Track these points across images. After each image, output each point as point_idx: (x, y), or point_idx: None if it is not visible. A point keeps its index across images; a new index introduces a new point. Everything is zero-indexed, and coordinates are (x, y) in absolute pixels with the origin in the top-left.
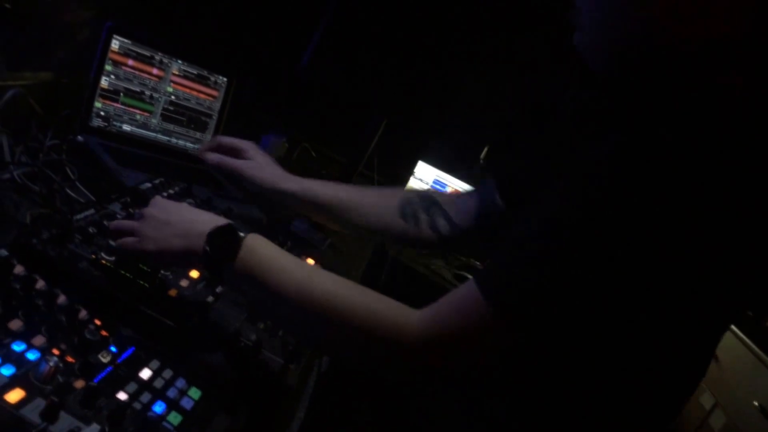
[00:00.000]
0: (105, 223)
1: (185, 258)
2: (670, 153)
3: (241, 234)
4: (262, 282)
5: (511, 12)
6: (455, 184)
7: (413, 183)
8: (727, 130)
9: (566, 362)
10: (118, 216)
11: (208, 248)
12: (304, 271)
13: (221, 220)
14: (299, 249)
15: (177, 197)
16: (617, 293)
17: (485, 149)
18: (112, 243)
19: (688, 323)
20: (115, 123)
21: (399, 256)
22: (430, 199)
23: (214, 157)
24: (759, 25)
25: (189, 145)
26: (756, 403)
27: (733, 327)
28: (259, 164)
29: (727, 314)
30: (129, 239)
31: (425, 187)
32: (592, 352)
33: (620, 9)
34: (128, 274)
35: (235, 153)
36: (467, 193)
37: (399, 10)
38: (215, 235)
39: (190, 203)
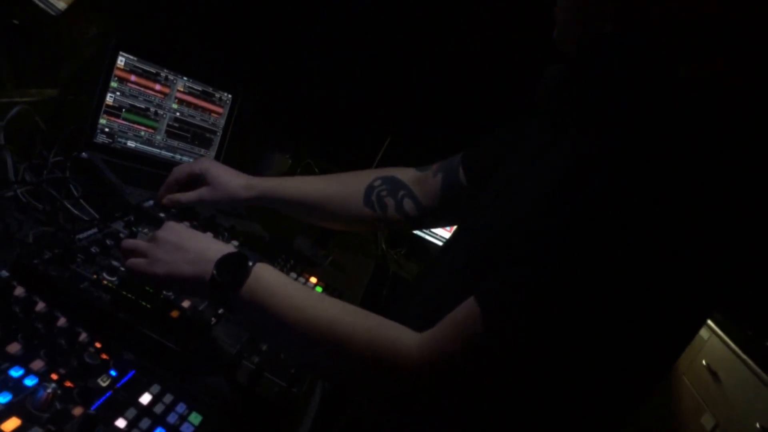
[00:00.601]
0: (108, 242)
1: (193, 284)
2: (651, 154)
3: (250, 262)
4: (268, 309)
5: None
6: None
7: None
8: (711, 123)
9: (563, 375)
10: (122, 235)
11: (215, 273)
12: (310, 299)
13: (231, 249)
14: (301, 266)
15: (183, 214)
16: (616, 303)
17: None
18: (115, 263)
19: (671, 321)
20: (119, 139)
21: (400, 272)
22: (395, 181)
23: (167, 200)
24: (738, 6)
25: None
26: (758, 425)
27: (733, 346)
28: (216, 185)
29: (705, 310)
30: (139, 260)
31: None
32: (589, 360)
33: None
34: (130, 295)
35: (194, 179)
36: (431, 172)
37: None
38: (224, 261)
39: (194, 226)
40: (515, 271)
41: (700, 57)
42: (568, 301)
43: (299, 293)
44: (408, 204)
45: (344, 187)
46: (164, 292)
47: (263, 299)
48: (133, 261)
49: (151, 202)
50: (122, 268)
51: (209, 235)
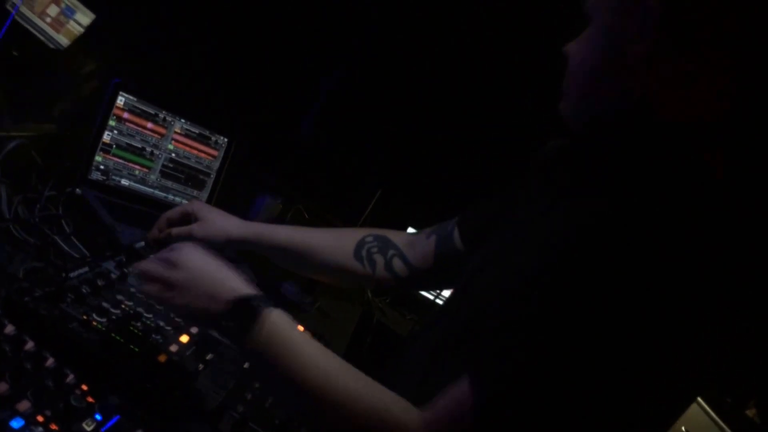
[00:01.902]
0: (99, 282)
1: (205, 319)
2: (643, 228)
3: (262, 308)
4: (270, 359)
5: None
6: None
7: None
8: (704, 207)
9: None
10: (113, 275)
11: (225, 316)
12: (315, 358)
13: (247, 290)
14: (288, 312)
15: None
16: (608, 371)
17: None
18: (105, 304)
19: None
20: (114, 177)
21: (383, 319)
22: (386, 240)
23: (160, 236)
24: (739, 107)
25: (185, 202)
26: None
27: (713, 414)
28: (207, 222)
29: (694, 385)
30: (156, 288)
31: None
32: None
33: (606, 81)
34: (119, 338)
35: (186, 219)
36: (425, 233)
37: (402, 83)
38: (236, 306)
39: None
40: (512, 346)
41: (699, 150)
42: (559, 374)
43: (306, 350)
44: (397, 263)
45: (335, 240)
46: (153, 336)
47: (270, 350)
48: (150, 289)
49: (142, 244)
50: (113, 309)
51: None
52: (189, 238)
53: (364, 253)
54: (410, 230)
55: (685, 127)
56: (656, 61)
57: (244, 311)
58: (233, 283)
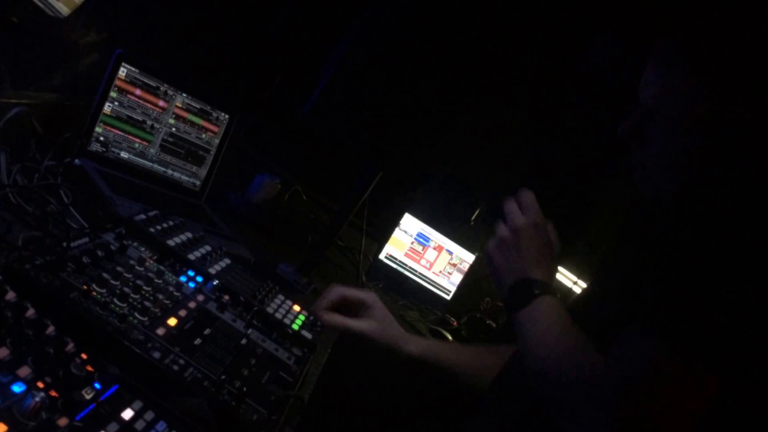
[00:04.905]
0: (99, 253)
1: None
2: None
3: (537, 291)
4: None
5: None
6: (438, 239)
7: (398, 234)
8: None
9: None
10: (113, 247)
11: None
12: (557, 330)
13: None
14: (284, 292)
15: (173, 231)
16: None
17: (477, 210)
18: (105, 275)
19: None
20: (113, 149)
21: None
22: None
23: (334, 319)
24: None
25: (184, 177)
26: None
27: None
28: (379, 325)
29: None
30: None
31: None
32: None
33: (690, 159)
34: (118, 309)
35: (356, 305)
36: None
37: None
38: (515, 287)
39: (188, 237)
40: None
41: None
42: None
43: (554, 327)
44: None
45: (487, 371)
46: (152, 309)
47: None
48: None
49: (142, 216)
50: (113, 281)
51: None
52: (361, 336)
53: None
54: (407, 215)
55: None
56: None
57: (519, 293)
58: (539, 267)
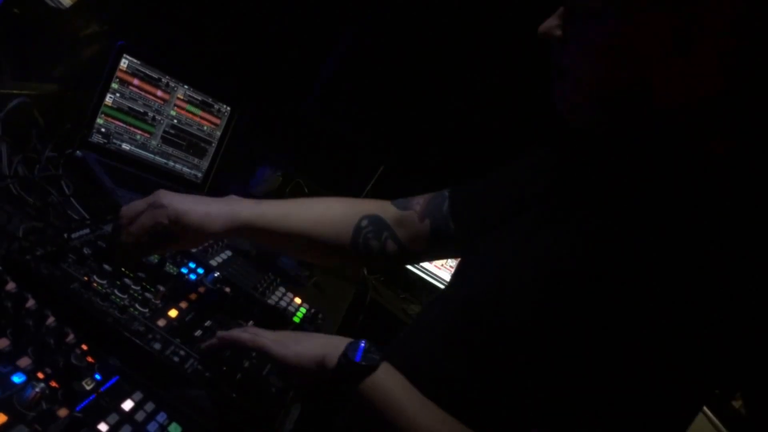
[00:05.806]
0: (100, 244)
1: (315, 369)
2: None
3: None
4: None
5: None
6: None
7: None
8: (712, 203)
9: None
10: None
11: (344, 356)
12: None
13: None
14: (285, 285)
15: None
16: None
17: None
18: (106, 266)
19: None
20: (114, 140)
21: (378, 298)
22: (380, 222)
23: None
24: (741, 85)
25: (186, 169)
26: None
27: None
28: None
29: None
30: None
31: None
32: None
33: (609, 68)
34: (119, 300)
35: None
36: (417, 215)
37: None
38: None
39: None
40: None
41: (698, 138)
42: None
43: (414, 405)
44: (390, 245)
45: (332, 229)
46: (153, 301)
47: (382, 397)
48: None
49: None
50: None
51: None
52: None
53: (360, 240)
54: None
55: (683, 111)
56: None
57: (364, 353)
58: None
